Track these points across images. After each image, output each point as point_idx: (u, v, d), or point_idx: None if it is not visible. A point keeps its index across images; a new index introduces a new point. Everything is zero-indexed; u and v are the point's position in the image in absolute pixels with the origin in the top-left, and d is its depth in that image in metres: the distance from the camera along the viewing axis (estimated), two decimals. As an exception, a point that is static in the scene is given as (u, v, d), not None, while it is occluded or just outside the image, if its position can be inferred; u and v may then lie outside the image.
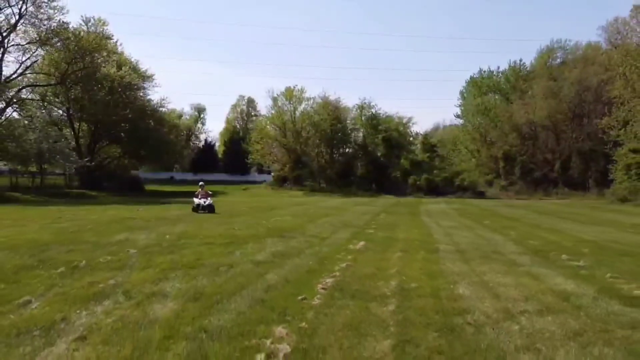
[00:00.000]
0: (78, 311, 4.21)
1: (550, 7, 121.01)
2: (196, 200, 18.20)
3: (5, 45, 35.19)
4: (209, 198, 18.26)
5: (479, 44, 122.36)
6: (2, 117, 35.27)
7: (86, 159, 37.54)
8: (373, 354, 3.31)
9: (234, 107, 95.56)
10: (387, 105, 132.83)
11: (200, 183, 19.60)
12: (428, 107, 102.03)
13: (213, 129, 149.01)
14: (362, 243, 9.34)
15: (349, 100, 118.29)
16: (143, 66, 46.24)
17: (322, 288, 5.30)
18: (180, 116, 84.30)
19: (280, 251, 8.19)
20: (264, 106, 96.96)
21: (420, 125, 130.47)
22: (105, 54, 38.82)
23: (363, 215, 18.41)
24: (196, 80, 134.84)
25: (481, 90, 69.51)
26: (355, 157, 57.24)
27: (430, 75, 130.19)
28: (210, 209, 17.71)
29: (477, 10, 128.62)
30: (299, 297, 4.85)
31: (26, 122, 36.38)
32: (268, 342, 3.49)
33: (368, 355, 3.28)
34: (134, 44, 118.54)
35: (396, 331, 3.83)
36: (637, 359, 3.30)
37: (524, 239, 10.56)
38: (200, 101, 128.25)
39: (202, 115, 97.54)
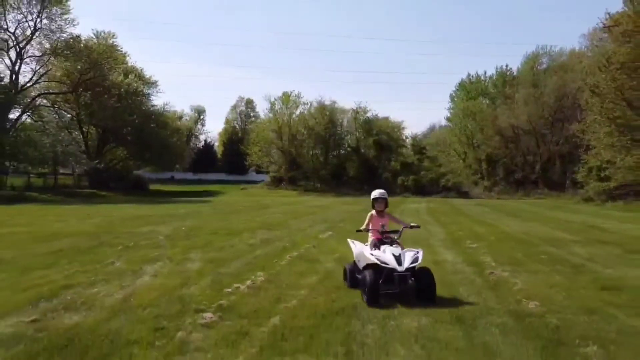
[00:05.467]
0: (146, 266, 7.35)
1: (549, 10, 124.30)
2: (373, 254, 5.67)
3: (23, 56, 38.31)
4: (407, 250, 5.76)
5: (476, 47, 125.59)
6: (18, 123, 38.30)
7: (96, 161, 40.68)
8: (306, 282, 6.43)
9: (234, 108, 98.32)
10: (385, 107, 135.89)
11: (378, 193, 6.44)
12: (425, 108, 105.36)
13: (212, 130, 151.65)
14: (329, 233, 12.49)
15: (346, 101, 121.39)
16: (147, 73, 49.42)
17: (289, 257, 8.45)
18: (180, 117, 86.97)
19: (267, 238, 11.35)
20: (261, 108, 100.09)
21: (417, 126, 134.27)
22: (114, 63, 41.88)
23: (344, 213, 21.53)
24: (195, 81, 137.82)
25: (470, 94, 72.74)
26: (347, 158, 60.41)
27: (429, 78, 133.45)
28: (429, 284, 5.48)
29: (477, 13, 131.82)
30: (274, 261, 7.99)
31: (39, 125, 39.48)
32: (253, 277, 6.62)
33: (303, 282, 6.40)
34: (133, 46, 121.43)
35: (323, 275, 6.96)
36: (444, 286, 6.40)
37: (457, 231, 13.72)
38: (200, 102, 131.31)
39: (201, 117, 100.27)
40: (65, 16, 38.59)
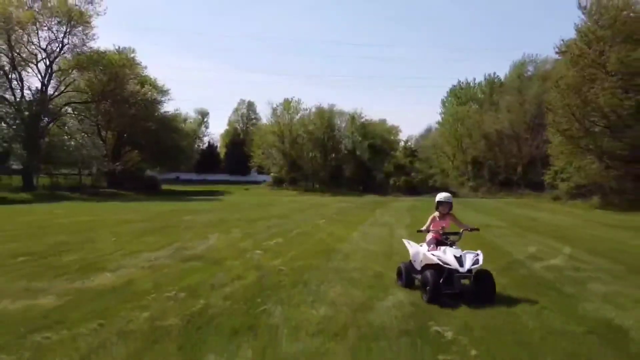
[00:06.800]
0: (208, 235, 11.89)
1: (551, 16, 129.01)
2: (435, 254, 5.94)
3: (52, 69, 42.78)
4: (473, 255, 5.91)
5: (473, 52, 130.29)
6: (47, 130, 42.67)
7: (117, 164, 45.17)
8: (307, 243, 10.97)
9: (236, 110, 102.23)
10: (384, 108, 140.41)
11: (444, 197, 6.66)
12: (423, 111, 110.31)
13: (214, 132, 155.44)
14: (323, 220, 17.07)
15: (346, 102, 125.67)
16: (160, 82, 54.07)
17: (296, 232, 13.03)
18: (185, 120, 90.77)
19: (278, 223, 15.94)
20: (262, 110, 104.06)
21: (416, 126, 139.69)
22: (132, 76, 46.46)
23: (338, 208, 26.02)
24: (197, 83, 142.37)
25: (460, 100, 77.21)
26: (344, 161, 64.98)
27: (428, 82, 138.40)
28: (488, 285, 5.74)
29: (477, 18, 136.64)
30: (286, 234, 12.57)
31: (66, 131, 43.97)
32: (275, 240, 11.17)
33: (305, 243, 10.92)
34: (138, 48, 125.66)
35: (318, 240, 11.52)
36: (393, 245, 10.94)
37: (414, 221, 18.22)
38: (202, 104, 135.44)
39: (205, 119, 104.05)
40: (87, 31, 43.06)
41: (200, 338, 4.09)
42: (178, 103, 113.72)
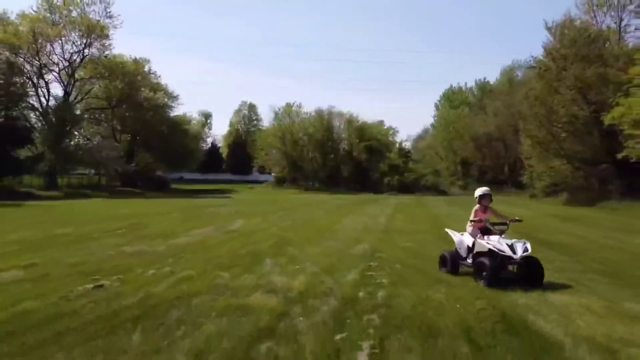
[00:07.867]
0: (236, 220, 15.88)
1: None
2: (490, 243, 6.50)
3: (74, 78, 46.74)
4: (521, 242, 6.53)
5: (468, 55, 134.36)
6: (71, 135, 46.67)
7: (132, 164, 49.17)
8: (308, 227, 14.95)
9: (237, 111, 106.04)
10: (385, 108, 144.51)
11: (485, 191, 7.31)
12: (422, 113, 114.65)
13: (217, 132, 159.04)
14: (322, 212, 21.07)
15: (349, 102, 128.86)
16: (170, 87, 58.15)
17: (300, 220, 17.01)
18: (189, 121, 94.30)
19: (285, 214, 19.94)
20: (263, 111, 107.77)
21: (416, 125, 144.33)
22: (146, 84, 50.51)
23: (334, 205, 29.93)
24: (199, 84, 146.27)
25: (453, 103, 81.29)
26: (342, 161, 68.95)
27: (429, 85, 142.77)
28: (538, 271, 6.33)
29: (477, 20, 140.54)
30: (292, 220, 16.54)
31: (86, 135, 48.05)
32: (286, 223, 15.16)
33: (307, 226, 14.89)
34: (134, 49, 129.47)
35: (318, 226, 15.50)
36: (375, 227, 14.89)
37: (400, 211, 22.22)
38: (203, 104, 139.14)
39: (208, 121, 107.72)
40: (103, 41, 46.93)
41: (259, 257, 8.12)
42: (183, 105, 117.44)
